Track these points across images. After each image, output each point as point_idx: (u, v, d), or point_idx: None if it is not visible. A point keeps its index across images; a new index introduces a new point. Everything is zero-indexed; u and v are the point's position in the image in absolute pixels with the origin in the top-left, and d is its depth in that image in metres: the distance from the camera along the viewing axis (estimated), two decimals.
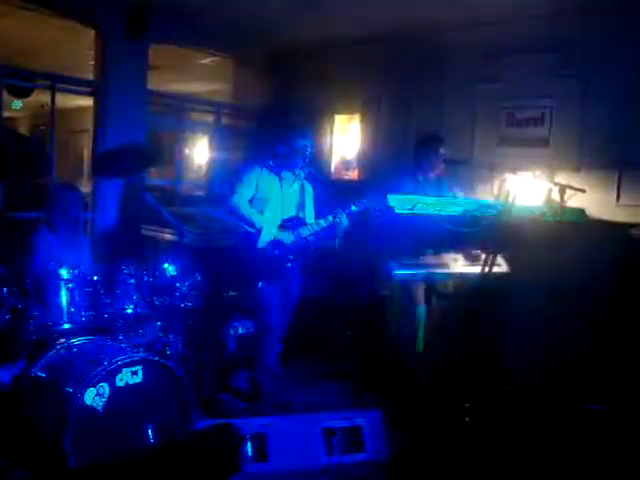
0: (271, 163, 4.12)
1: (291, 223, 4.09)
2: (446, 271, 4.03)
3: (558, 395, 4.03)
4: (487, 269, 3.67)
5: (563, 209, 3.81)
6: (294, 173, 4.14)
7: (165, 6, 5.21)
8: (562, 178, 4.54)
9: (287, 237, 4.04)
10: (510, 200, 3.51)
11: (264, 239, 3.99)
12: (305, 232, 4.06)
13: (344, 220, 3.98)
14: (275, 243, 4.01)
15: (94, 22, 5.37)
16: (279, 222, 4.07)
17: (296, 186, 4.19)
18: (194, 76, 7.83)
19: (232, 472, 2.79)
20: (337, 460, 3.21)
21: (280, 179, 4.13)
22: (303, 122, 6.12)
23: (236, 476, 2.82)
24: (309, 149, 4.08)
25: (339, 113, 6.40)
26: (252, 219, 4.02)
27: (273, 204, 4.08)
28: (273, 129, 4.21)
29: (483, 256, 3.81)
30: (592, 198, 4.37)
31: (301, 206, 4.18)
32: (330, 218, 4.03)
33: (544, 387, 4.06)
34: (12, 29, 5.99)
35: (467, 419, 3.58)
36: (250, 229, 4.02)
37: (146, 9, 5.25)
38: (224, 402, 4.25)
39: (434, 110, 5.44)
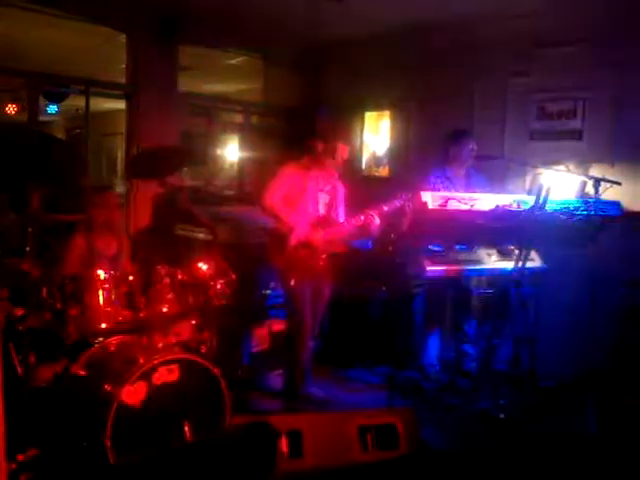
0: (304, 162, 4.14)
1: (324, 220, 4.10)
2: (479, 267, 4.00)
3: (597, 392, 3.97)
4: (521, 264, 3.64)
5: (598, 202, 3.75)
6: (327, 172, 4.15)
7: (194, 9, 5.27)
8: (596, 171, 4.47)
9: (318, 236, 4.05)
10: (543, 194, 3.47)
11: (295, 238, 4.02)
12: (337, 231, 4.06)
13: (375, 220, 3.97)
14: (306, 241, 4.03)
15: (125, 27, 5.46)
16: (311, 221, 4.09)
17: (327, 185, 4.20)
18: (224, 76, 7.89)
19: (268, 470, 2.81)
20: (372, 457, 3.22)
21: (312, 178, 4.15)
22: (333, 121, 6.14)
23: (272, 473, 2.85)
24: (338, 150, 4.08)
25: (369, 110, 6.39)
26: (284, 217, 4.05)
27: (305, 203, 4.10)
28: (306, 128, 4.22)
29: (516, 251, 3.77)
30: (627, 191, 4.29)
31: (333, 205, 4.19)
32: (362, 218, 4.03)
33: (582, 383, 4.01)
34: (48, 38, 6.16)
35: (501, 416, 3.56)
36: (282, 227, 4.05)
37: (175, 13, 5.33)
38: (259, 400, 4.30)
39: (464, 106, 5.40)
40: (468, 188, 4.46)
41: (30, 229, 3.13)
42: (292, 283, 4.07)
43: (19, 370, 3.22)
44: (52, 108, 9.88)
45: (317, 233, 4.05)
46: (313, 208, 4.12)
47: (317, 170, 4.15)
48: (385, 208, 3.98)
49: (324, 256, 4.06)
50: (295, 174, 4.13)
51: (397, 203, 3.97)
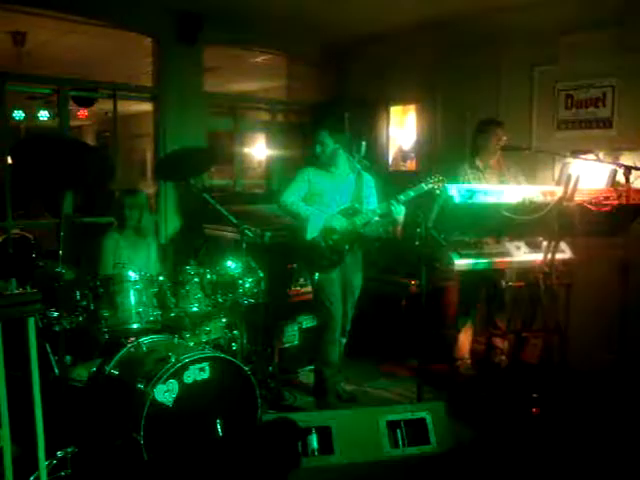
0: (319, 160, 4.16)
1: (346, 212, 4.09)
2: (508, 259, 3.96)
3: (628, 383, 3.90)
4: (550, 256, 3.59)
5: (629, 191, 3.67)
6: (348, 166, 4.16)
7: (217, 9, 5.31)
8: (627, 159, 4.38)
9: (339, 223, 4.04)
10: (572, 184, 3.42)
11: (313, 229, 4.01)
12: (360, 220, 4.05)
13: (400, 206, 3.93)
14: (327, 230, 4.02)
15: (150, 31, 5.53)
16: (334, 212, 4.09)
17: (352, 177, 4.20)
18: (248, 75, 7.93)
19: (292, 466, 2.84)
20: (401, 452, 3.23)
21: (331, 174, 4.16)
22: (358, 115, 6.13)
23: (297, 470, 2.87)
24: (324, 142, 4.09)
25: (394, 105, 6.36)
26: (299, 211, 4.06)
27: (327, 197, 4.12)
28: (324, 124, 4.23)
29: (545, 243, 3.73)
30: None
31: (357, 197, 4.17)
32: (384, 205, 4.01)
33: (614, 374, 3.94)
34: (76, 44, 6.27)
35: (534, 410, 3.52)
36: (298, 222, 4.07)
37: (198, 14, 5.38)
38: (289, 396, 4.33)
39: (490, 96, 5.33)
40: (498, 180, 4.41)
41: (62, 232, 3.20)
42: (317, 276, 4.08)
43: (56, 370, 3.31)
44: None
45: (338, 220, 4.04)
46: (336, 201, 4.13)
47: (334, 165, 4.16)
48: (411, 193, 3.96)
49: (348, 247, 4.05)
50: (314, 173, 4.16)
51: (424, 187, 3.94)
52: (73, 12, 5.05)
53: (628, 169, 3.83)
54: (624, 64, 4.58)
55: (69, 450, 3.05)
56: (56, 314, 3.15)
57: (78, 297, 3.33)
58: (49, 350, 3.35)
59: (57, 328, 3.13)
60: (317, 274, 4.10)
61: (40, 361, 2.63)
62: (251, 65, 7.29)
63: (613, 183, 4.36)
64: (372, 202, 4.20)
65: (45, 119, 10.53)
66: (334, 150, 4.13)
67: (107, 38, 5.91)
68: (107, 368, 3.31)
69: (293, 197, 4.11)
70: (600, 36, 4.66)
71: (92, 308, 3.34)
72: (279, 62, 6.96)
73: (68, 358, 3.17)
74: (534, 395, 3.60)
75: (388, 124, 6.42)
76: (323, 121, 4.50)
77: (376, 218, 4.07)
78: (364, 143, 4.48)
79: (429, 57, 5.79)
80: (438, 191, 3.84)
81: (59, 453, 3.04)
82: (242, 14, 5.47)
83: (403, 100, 6.24)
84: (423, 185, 3.94)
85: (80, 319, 3.28)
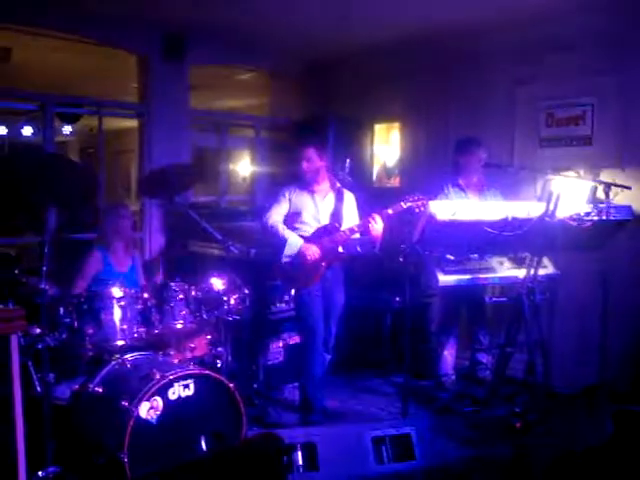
0: (305, 176, 4.18)
1: (324, 230, 4.11)
2: (492, 275, 4.00)
3: (614, 396, 3.94)
4: (533, 271, 3.64)
5: (609, 207, 3.74)
6: (327, 183, 4.19)
7: (202, 29, 5.35)
8: (607, 176, 4.46)
9: (315, 247, 4.04)
10: (554, 201, 3.47)
11: (288, 252, 4.03)
12: (339, 238, 4.07)
13: (378, 224, 3.95)
14: (302, 251, 4.02)
15: (135, 49, 5.56)
16: (313, 232, 4.11)
17: (331, 195, 4.24)
18: (233, 92, 7.98)
19: None
20: (387, 468, 3.22)
21: (312, 192, 4.19)
22: (342, 132, 6.18)
23: None
24: (307, 158, 4.12)
25: (378, 122, 6.42)
26: (277, 234, 4.09)
27: (307, 216, 4.14)
28: (311, 141, 4.26)
29: (528, 259, 3.78)
30: (638, 195, 4.27)
31: (336, 215, 4.19)
32: (362, 223, 4.03)
33: (596, 390, 3.98)
34: (61, 61, 6.28)
35: (517, 425, 3.55)
36: (277, 242, 4.09)
37: (183, 33, 5.42)
38: (274, 413, 4.31)
39: (472, 115, 5.41)
40: (481, 197, 4.47)
41: (46, 248, 3.18)
42: (295, 292, 4.09)
43: (38, 388, 3.27)
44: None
45: (316, 239, 4.06)
46: (316, 220, 4.15)
47: (317, 183, 4.19)
48: (390, 211, 3.99)
49: (324, 264, 4.07)
50: (295, 192, 4.18)
51: (403, 205, 3.97)
52: (59, 29, 5.07)
53: (608, 186, 3.91)
54: (601, 84, 4.67)
55: (51, 470, 3.01)
56: (39, 331, 3.12)
57: (62, 314, 3.30)
58: (32, 368, 3.32)
59: (40, 345, 3.10)
60: (298, 290, 4.12)
61: (22, 379, 2.60)
62: (236, 82, 7.34)
63: (594, 200, 4.43)
64: (352, 220, 4.23)
65: (28, 135, 10.47)
66: (319, 167, 4.16)
67: (92, 55, 5.92)
68: (91, 385, 3.27)
69: (274, 217, 4.13)
70: (577, 56, 4.76)
71: (76, 325, 3.32)
72: (263, 79, 7.02)
73: (51, 376, 3.13)
74: (517, 410, 3.63)
75: (372, 141, 6.48)
76: (309, 138, 4.53)
77: (355, 236, 4.09)
78: (348, 160, 4.53)
79: (413, 75, 5.86)
80: (417, 210, 3.88)
81: (41, 473, 2.99)
82: (227, 33, 5.52)
83: (387, 118, 6.31)
84: (402, 204, 3.98)
85: (64, 336, 3.26)
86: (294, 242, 4.04)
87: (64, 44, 5.48)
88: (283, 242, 4.04)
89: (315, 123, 6.42)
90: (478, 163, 4.42)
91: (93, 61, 6.26)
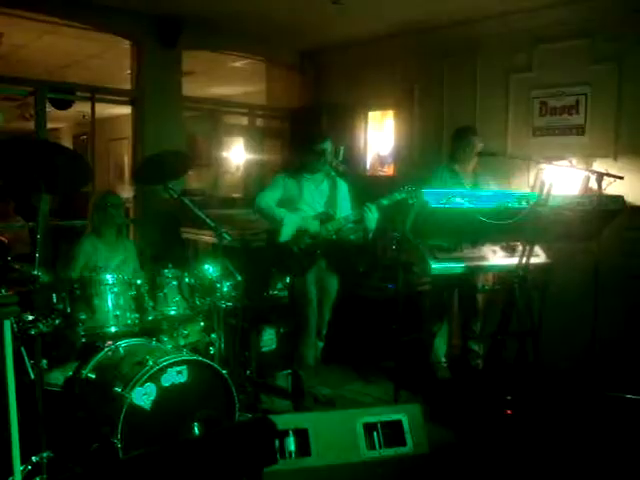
0: (295, 167, 4.18)
1: (319, 218, 4.11)
2: (484, 264, 4.02)
3: (601, 385, 3.98)
4: (525, 260, 3.65)
5: (601, 197, 3.76)
6: (323, 172, 4.18)
7: (196, 14, 5.32)
8: (599, 166, 4.48)
9: (313, 227, 4.05)
10: (546, 190, 3.48)
11: (287, 231, 4.02)
12: (333, 226, 4.07)
13: (373, 214, 3.96)
14: (300, 233, 4.02)
15: (129, 34, 5.52)
16: (308, 217, 4.11)
17: (325, 184, 4.24)
18: (227, 79, 7.94)
19: (268, 463, 2.85)
20: (378, 454, 3.25)
21: (306, 180, 4.19)
22: (336, 120, 6.18)
23: (273, 468, 2.89)
24: (327, 151, 4.11)
25: (373, 110, 6.41)
26: (273, 214, 4.07)
27: (300, 204, 4.14)
28: (304, 130, 4.26)
29: (521, 247, 3.79)
30: (631, 185, 4.29)
31: (331, 203, 4.20)
32: (358, 212, 4.04)
33: (587, 377, 4.02)
34: (54, 45, 6.22)
35: (508, 412, 3.58)
36: (273, 225, 4.09)
37: (177, 18, 5.38)
38: (267, 400, 4.34)
39: (467, 102, 5.41)
40: (474, 186, 4.48)
41: (38, 235, 3.17)
42: (289, 279, 4.10)
43: (31, 374, 3.27)
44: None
45: (311, 224, 4.06)
46: (309, 208, 4.15)
47: (312, 171, 4.19)
48: (385, 202, 4.00)
49: (320, 251, 4.08)
50: (289, 179, 4.18)
51: (397, 196, 3.99)
52: (51, 14, 5.02)
53: (600, 176, 3.92)
54: (595, 73, 4.68)
55: (44, 455, 3.02)
56: (32, 317, 3.12)
57: (55, 300, 3.30)
58: (25, 354, 3.32)
59: (33, 332, 3.10)
60: (292, 277, 4.12)
61: (15, 365, 2.61)
62: (230, 69, 7.31)
63: (586, 189, 4.46)
64: (345, 208, 4.23)
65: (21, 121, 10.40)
66: (312, 157, 4.15)
67: (85, 40, 5.87)
68: (84, 372, 3.28)
69: (267, 199, 4.13)
70: (573, 45, 4.77)
71: (69, 311, 3.32)
72: (258, 67, 6.99)
73: (44, 362, 3.13)
74: (508, 397, 3.66)
75: (366, 129, 6.47)
76: (322, 130, 4.49)
77: (349, 225, 4.10)
78: (342, 148, 4.52)
79: (407, 63, 5.86)
80: (411, 200, 3.89)
81: (34, 458, 3.00)
82: (221, 20, 5.49)
83: (381, 106, 6.30)
84: (396, 194, 3.99)
85: (57, 322, 3.25)
86: (292, 220, 4.02)
87: (56, 29, 5.44)
88: (279, 223, 4.03)
89: (308, 111, 6.42)
90: (473, 150, 4.44)
91: (86, 46, 6.21)
